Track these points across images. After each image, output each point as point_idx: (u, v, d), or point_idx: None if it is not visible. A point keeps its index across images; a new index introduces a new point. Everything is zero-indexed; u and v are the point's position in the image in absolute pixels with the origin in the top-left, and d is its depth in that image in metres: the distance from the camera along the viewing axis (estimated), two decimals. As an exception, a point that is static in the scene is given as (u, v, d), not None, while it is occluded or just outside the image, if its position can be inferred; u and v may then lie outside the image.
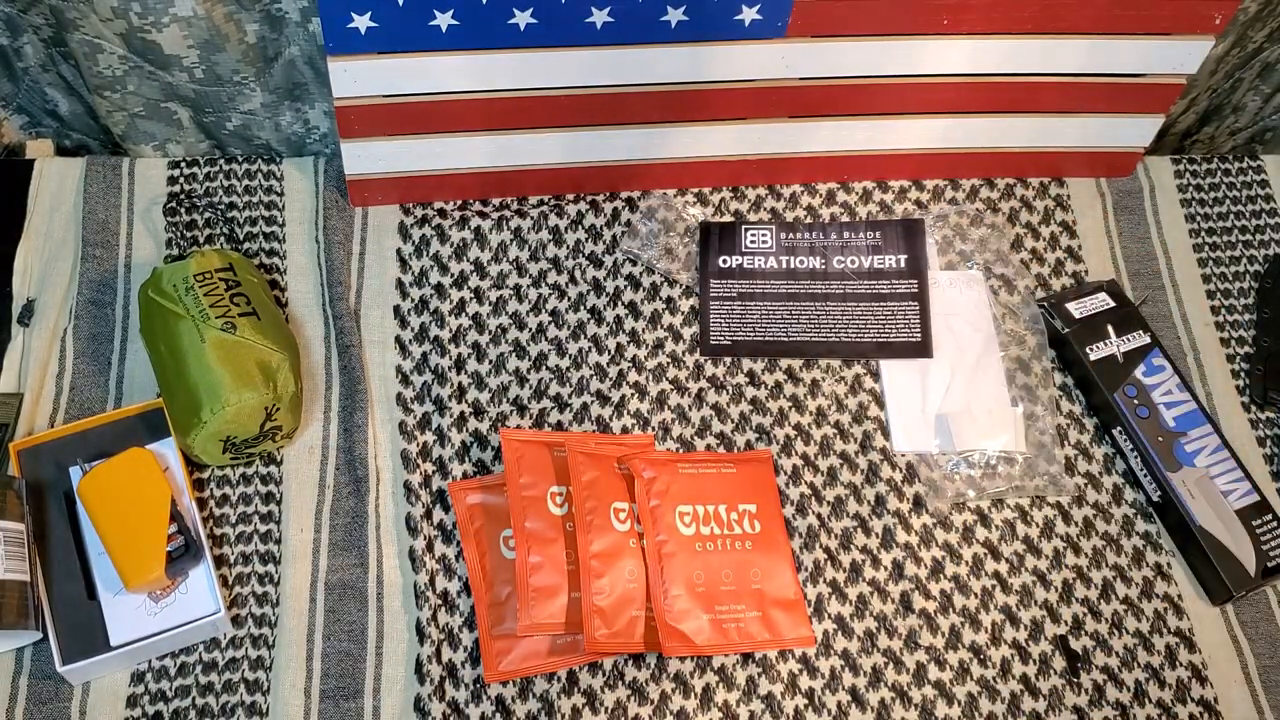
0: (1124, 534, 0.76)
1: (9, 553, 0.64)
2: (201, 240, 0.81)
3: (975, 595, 0.73)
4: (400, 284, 0.81)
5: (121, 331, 0.77)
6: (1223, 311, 0.85)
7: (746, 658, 0.70)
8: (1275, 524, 0.74)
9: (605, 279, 0.82)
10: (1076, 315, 0.81)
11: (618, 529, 0.70)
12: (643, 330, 0.80)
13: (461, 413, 0.76)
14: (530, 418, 0.77)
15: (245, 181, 0.83)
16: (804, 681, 0.70)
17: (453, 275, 0.81)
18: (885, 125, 0.83)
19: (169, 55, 0.76)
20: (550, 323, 0.80)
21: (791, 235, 0.84)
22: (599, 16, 0.71)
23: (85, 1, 0.71)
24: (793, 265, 0.83)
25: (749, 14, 0.72)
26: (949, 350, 0.81)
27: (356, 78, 0.72)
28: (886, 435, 0.78)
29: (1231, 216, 0.90)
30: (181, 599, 0.67)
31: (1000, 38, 0.77)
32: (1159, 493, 0.76)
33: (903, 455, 0.78)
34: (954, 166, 0.88)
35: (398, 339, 0.79)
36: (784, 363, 0.80)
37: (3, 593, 0.63)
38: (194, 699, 0.67)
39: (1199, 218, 0.89)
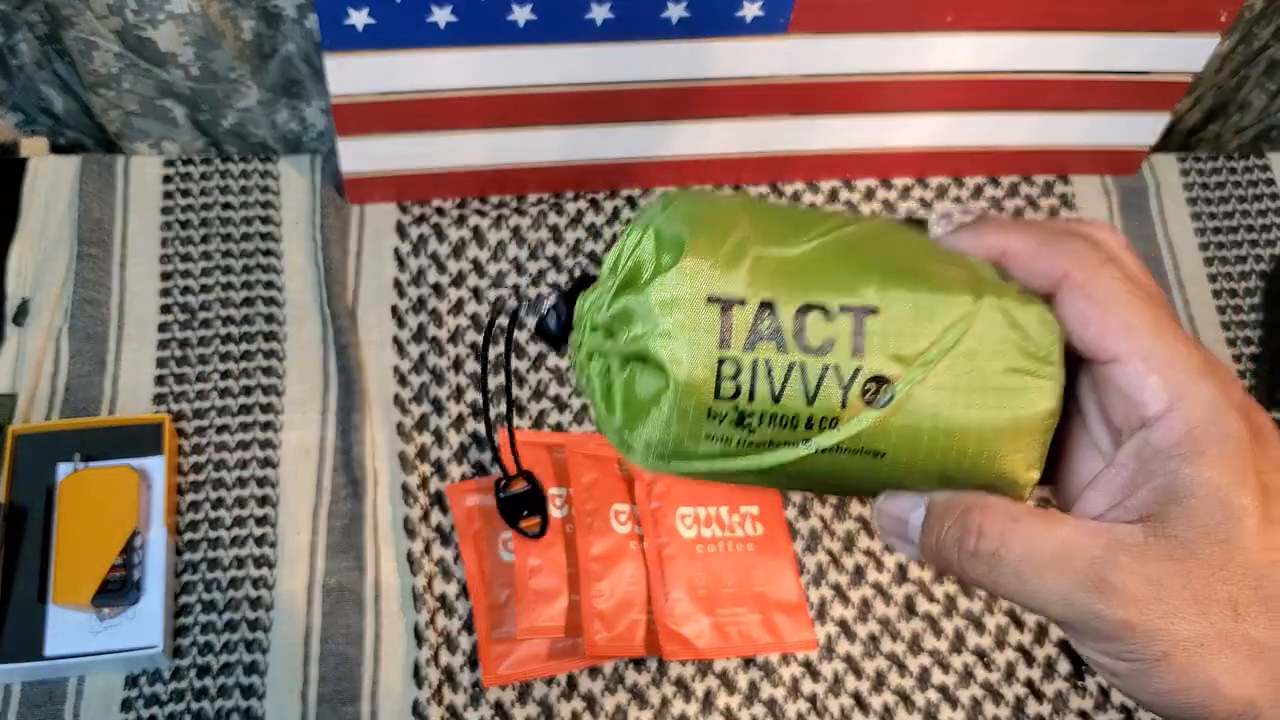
0: (1129, 536, 0.76)
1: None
2: (198, 240, 0.80)
3: (979, 598, 0.73)
4: (398, 283, 0.80)
5: (116, 331, 0.76)
6: (1229, 311, 0.85)
7: (748, 662, 0.70)
8: (1283, 526, 0.73)
9: (605, 278, 0.81)
10: (1081, 315, 0.80)
11: (618, 531, 0.69)
12: (643, 330, 0.80)
13: (460, 414, 0.76)
14: (529, 419, 0.76)
15: (241, 180, 0.82)
16: (806, 685, 0.69)
17: (451, 275, 0.80)
18: (888, 122, 0.82)
19: (164, 52, 0.75)
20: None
21: (793, 234, 0.83)
22: (599, 12, 0.70)
23: (79, -2, 0.71)
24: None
25: (751, 10, 0.71)
26: (953, 350, 0.80)
27: (353, 75, 0.72)
28: (889, 436, 0.77)
29: (1238, 215, 0.89)
30: (127, 624, 0.65)
31: (1004, 34, 0.76)
32: (1165, 494, 0.75)
33: (906, 456, 0.77)
34: (958, 164, 0.87)
35: (395, 339, 0.78)
36: (786, 363, 0.79)
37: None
38: (189, 703, 0.66)
39: (1205, 216, 0.89)
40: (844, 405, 0.29)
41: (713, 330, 0.28)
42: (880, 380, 0.29)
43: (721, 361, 0.28)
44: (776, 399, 0.28)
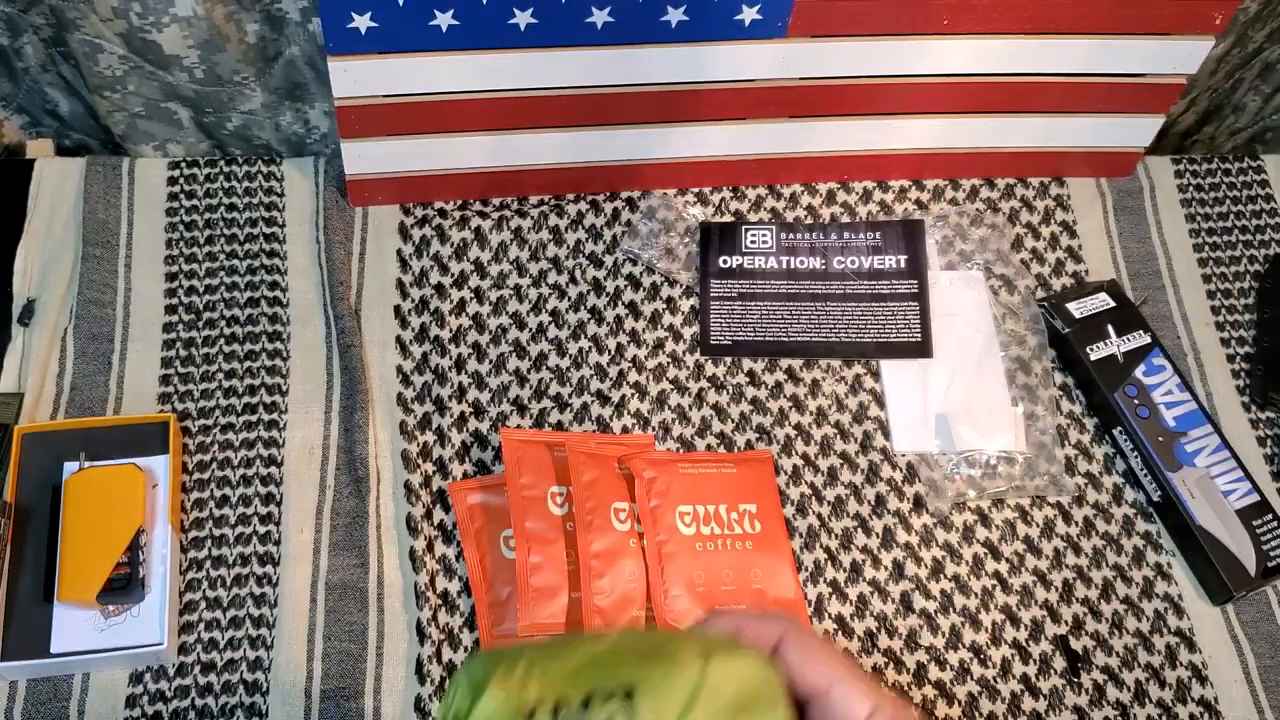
0: (1124, 534, 0.76)
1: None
2: (202, 241, 0.81)
3: (975, 595, 0.73)
4: (400, 284, 0.81)
5: (122, 331, 0.77)
6: (1223, 311, 0.85)
7: (747, 658, 0.70)
8: (1275, 524, 0.74)
9: (605, 279, 0.82)
10: (1077, 315, 0.81)
11: (618, 529, 0.70)
12: (643, 330, 0.80)
13: (462, 413, 0.76)
14: (530, 418, 0.77)
15: (245, 182, 0.83)
16: (804, 681, 0.70)
17: (453, 275, 0.81)
18: (885, 125, 0.83)
19: (169, 55, 0.76)
20: (550, 323, 0.80)
21: (792, 235, 0.84)
22: (599, 16, 0.71)
23: (85, 1, 0.71)
24: (793, 265, 0.83)
25: (749, 14, 0.72)
26: (949, 350, 0.81)
27: (356, 78, 0.72)
28: (887, 435, 0.78)
29: (1232, 216, 0.90)
30: (131, 621, 0.66)
31: (1001, 38, 0.77)
32: (1159, 493, 0.76)
33: (903, 455, 0.78)
34: (954, 166, 0.88)
35: (398, 339, 0.79)
36: (784, 363, 0.80)
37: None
38: (193, 699, 0.66)
39: (1199, 218, 0.89)
40: None
41: None
42: None
43: None
44: None
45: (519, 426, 0.76)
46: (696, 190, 0.86)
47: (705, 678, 0.37)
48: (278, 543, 0.71)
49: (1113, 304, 0.82)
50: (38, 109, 0.85)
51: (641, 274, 0.83)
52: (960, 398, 0.79)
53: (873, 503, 0.76)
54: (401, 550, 0.72)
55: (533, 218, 0.84)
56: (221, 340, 0.77)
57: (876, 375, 0.80)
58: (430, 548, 0.72)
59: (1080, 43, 0.78)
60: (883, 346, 0.81)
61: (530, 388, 0.78)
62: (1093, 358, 0.80)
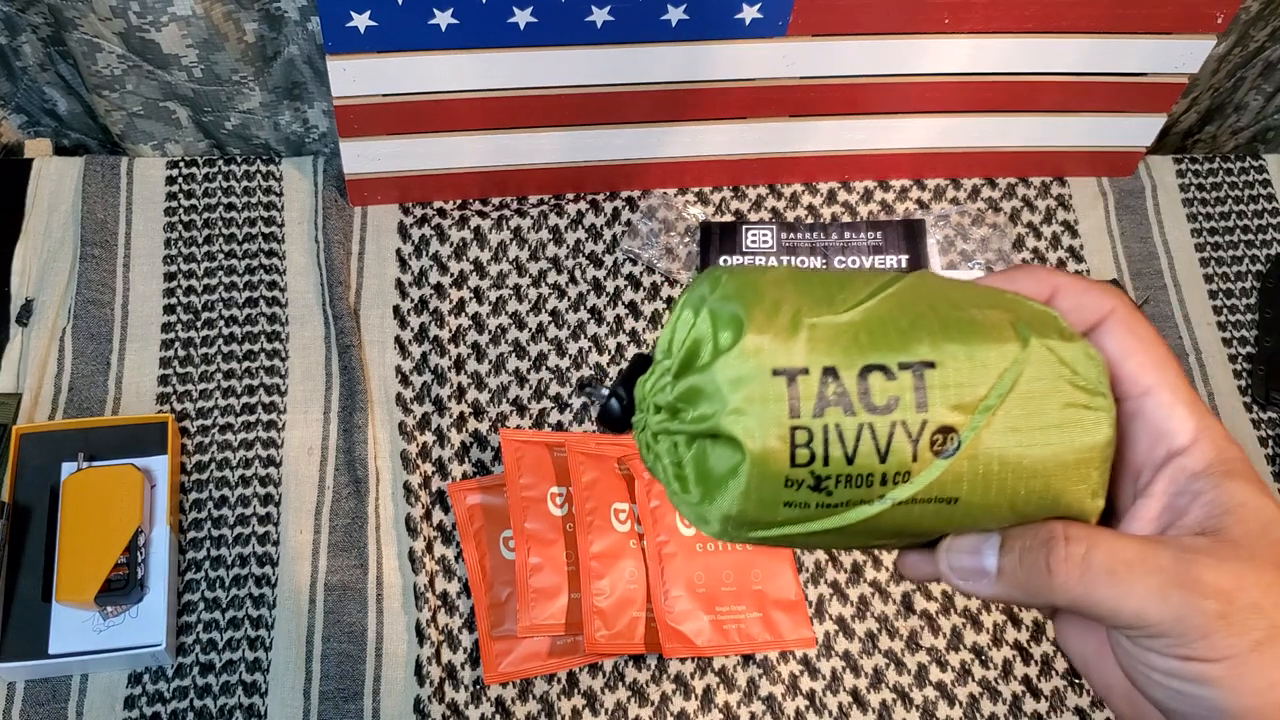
0: (1126, 535, 0.76)
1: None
2: (201, 241, 0.81)
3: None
4: (400, 284, 0.80)
5: (120, 331, 0.77)
6: (1225, 311, 0.85)
7: (747, 659, 0.70)
8: (1278, 524, 0.74)
9: (605, 279, 0.82)
10: (1078, 315, 0.81)
11: (618, 530, 0.70)
12: (643, 330, 0.80)
13: (461, 413, 0.76)
14: (530, 418, 0.76)
15: (244, 182, 0.83)
16: (805, 683, 0.70)
17: (452, 275, 0.81)
18: (886, 124, 0.83)
19: (167, 54, 0.75)
20: (550, 323, 0.80)
21: (792, 235, 0.84)
22: (599, 15, 0.71)
23: (84, 1, 0.71)
24: (794, 265, 0.82)
25: (750, 13, 0.72)
26: (950, 350, 0.80)
27: (355, 77, 0.72)
28: (887, 435, 0.78)
29: (1234, 216, 0.89)
30: (130, 622, 0.65)
31: (1001, 37, 0.77)
32: (1161, 493, 0.76)
33: (904, 455, 0.77)
34: (955, 166, 0.87)
35: (397, 339, 0.78)
36: (785, 363, 0.80)
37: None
38: (192, 700, 0.66)
39: (1201, 217, 0.89)
40: (915, 458, 0.29)
41: (781, 401, 0.29)
42: (947, 430, 0.29)
43: (794, 430, 0.29)
44: (850, 460, 0.29)
45: (519, 427, 0.76)
46: (696, 190, 0.86)
47: (1022, 364, 0.29)
48: (276, 543, 0.71)
49: (1114, 304, 0.81)
50: (36, 108, 0.85)
51: (641, 274, 0.82)
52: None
53: (873, 503, 0.76)
54: (401, 551, 0.72)
55: (532, 217, 0.83)
56: (220, 340, 0.77)
57: (877, 375, 0.80)
58: (430, 548, 0.72)
59: (1081, 42, 0.78)
60: (883, 346, 0.80)
61: (530, 388, 0.77)
62: (1094, 358, 0.79)
